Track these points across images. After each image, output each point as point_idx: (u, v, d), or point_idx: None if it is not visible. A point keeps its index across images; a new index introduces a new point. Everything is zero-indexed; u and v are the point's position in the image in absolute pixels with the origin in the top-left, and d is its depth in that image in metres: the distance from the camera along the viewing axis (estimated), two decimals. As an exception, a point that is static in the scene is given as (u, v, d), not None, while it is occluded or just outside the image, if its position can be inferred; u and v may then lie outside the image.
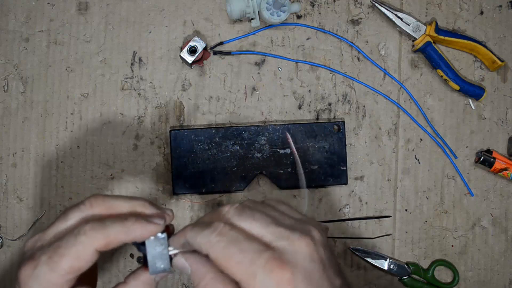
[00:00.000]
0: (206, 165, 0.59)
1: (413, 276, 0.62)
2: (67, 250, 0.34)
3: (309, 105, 0.62)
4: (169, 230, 0.39)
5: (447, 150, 0.63)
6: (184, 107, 0.61)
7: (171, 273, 0.38)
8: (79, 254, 0.34)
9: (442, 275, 0.63)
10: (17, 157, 0.60)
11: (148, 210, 0.39)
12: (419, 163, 0.63)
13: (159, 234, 0.37)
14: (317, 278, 0.34)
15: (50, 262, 0.34)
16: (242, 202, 0.38)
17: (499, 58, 0.61)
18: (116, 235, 0.35)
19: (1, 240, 0.60)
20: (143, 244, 0.37)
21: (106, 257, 0.61)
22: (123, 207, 0.38)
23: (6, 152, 0.60)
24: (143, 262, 0.39)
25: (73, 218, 0.37)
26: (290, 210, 0.40)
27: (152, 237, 0.37)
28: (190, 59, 0.59)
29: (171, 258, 0.38)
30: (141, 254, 0.39)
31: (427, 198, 0.63)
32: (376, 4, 0.61)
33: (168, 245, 0.38)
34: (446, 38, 0.61)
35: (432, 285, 0.62)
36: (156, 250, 0.37)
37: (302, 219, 0.38)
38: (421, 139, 0.63)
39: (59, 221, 0.37)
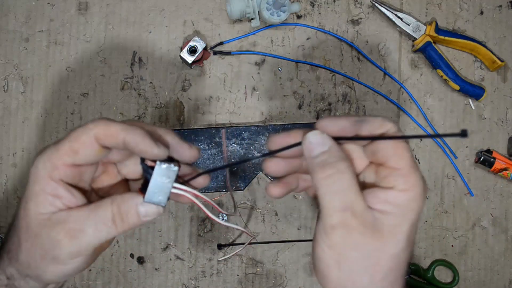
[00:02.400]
0: (206, 165, 0.59)
1: (413, 276, 0.62)
2: (71, 134, 0.35)
3: (309, 105, 0.62)
4: (179, 167, 0.37)
5: (447, 150, 0.63)
6: (184, 107, 0.61)
7: (161, 208, 0.36)
8: (79, 136, 0.35)
9: (442, 275, 0.63)
10: (17, 157, 0.60)
11: (169, 136, 0.38)
12: (419, 163, 0.63)
13: (172, 166, 0.35)
14: None
15: (56, 144, 0.35)
16: None
17: (499, 58, 0.61)
18: (117, 129, 0.35)
19: (1, 240, 0.60)
20: (152, 168, 0.35)
21: (106, 257, 0.60)
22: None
23: (6, 152, 0.60)
24: (142, 187, 0.36)
25: None
26: None
27: (164, 165, 0.35)
28: (190, 59, 0.59)
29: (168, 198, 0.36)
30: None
31: (427, 198, 0.63)
32: (376, 4, 0.61)
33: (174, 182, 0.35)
34: (446, 38, 0.61)
35: (432, 285, 0.62)
36: (161, 180, 0.35)
37: None
38: (421, 139, 0.63)
39: None
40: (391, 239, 0.33)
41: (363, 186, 0.35)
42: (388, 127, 0.34)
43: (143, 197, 0.35)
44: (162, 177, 0.35)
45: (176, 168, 0.35)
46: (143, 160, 0.36)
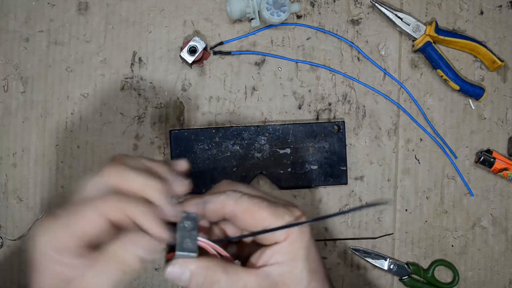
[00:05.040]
0: (206, 165, 0.59)
1: (413, 276, 0.62)
2: (79, 211, 0.34)
3: (309, 105, 0.62)
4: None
5: (447, 150, 0.63)
6: (184, 107, 0.61)
7: (193, 259, 0.36)
8: (89, 217, 0.34)
9: (442, 275, 0.63)
10: (17, 157, 0.60)
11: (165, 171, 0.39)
12: (419, 163, 0.63)
13: (191, 213, 0.37)
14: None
15: (62, 221, 0.34)
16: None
17: (499, 58, 0.61)
18: (131, 214, 0.34)
19: (1, 240, 0.60)
20: (174, 224, 0.36)
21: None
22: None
23: (6, 152, 0.60)
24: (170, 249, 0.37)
25: (93, 186, 0.37)
26: None
27: (184, 214, 0.37)
28: (190, 59, 0.59)
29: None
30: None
31: (427, 198, 0.63)
32: (376, 4, 0.61)
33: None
34: (446, 38, 0.61)
35: (432, 285, 0.62)
36: (185, 231, 0.36)
37: None
38: (421, 139, 0.63)
39: (80, 189, 0.37)
40: (292, 283, 0.36)
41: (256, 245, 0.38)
42: (230, 207, 0.37)
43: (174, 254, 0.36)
44: (185, 228, 0.36)
45: (194, 214, 0.37)
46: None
